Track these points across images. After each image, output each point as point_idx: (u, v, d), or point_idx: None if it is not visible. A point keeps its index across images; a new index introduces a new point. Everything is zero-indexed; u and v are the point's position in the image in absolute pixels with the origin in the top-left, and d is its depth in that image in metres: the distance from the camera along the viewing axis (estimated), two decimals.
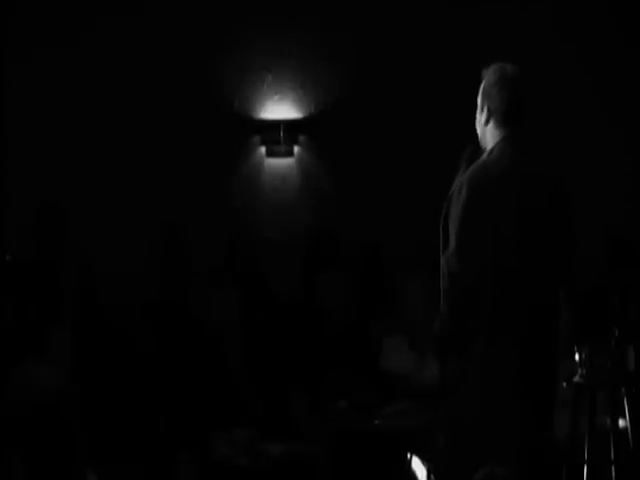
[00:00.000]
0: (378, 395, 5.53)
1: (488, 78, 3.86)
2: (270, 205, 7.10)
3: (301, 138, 7.13)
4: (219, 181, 6.98)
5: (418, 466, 5.16)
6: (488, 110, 3.81)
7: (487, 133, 3.84)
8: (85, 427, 4.10)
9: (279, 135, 7.06)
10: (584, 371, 4.61)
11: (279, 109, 7.12)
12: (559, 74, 6.94)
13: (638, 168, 7.00)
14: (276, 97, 7.13)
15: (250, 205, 7.07)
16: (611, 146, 6.97)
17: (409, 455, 5.21)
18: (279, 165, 7.12)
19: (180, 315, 6.14)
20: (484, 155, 3.81)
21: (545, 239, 3.71)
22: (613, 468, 4.60)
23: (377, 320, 6.10)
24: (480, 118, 3.85)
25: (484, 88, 3.85)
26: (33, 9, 6.79)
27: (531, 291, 3.65)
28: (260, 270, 6.73)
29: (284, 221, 7.05)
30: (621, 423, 4.67)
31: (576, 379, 4.62)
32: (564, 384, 4.63)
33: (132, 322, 6.20)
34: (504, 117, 3.79)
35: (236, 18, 6.97)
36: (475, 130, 3.92)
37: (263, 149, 7.12)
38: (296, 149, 7.13)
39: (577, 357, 4.61)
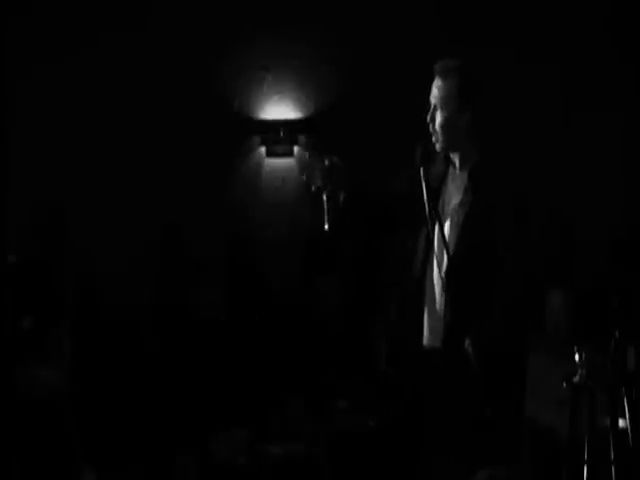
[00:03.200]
0: (378, 395, 5.53)
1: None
2: (270, 205, 7.10)
3: (301, 138, 7.13)
4: (219, 181, 6.98)
5: None
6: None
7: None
8: (84, 427, 4.11)
9: (279, 135, 7.07)
10: (584, 371, 4.60)
11: (279, 109, 7.12)
12: (557, 75, 6.94)
13: (638, 169, 6.99)
14: (276, 97, 7.13)
15: (250, 205, 7.07)
16: (610, 147, 6.97)
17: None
18: (279, 165, 7.12)
19: (179, 315, 6.13)
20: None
21: None
22: (613, 468, 4.59)
23: (377, 320, 6.09)
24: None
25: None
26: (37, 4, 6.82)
27: None
28: (260, 270, 6.73)
29: (284, 221, 7.05)
30: (621, 423, 4.66)
31: (576, 379, 4.61)
32: (564, 384, 4.63)
33: (131, 322, 6.20)
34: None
35: (237, 18, 6.97)
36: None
37: (263, 149, 7.12)
38: (296, 149, 7.13)
39: (577, 357, 4.60)
